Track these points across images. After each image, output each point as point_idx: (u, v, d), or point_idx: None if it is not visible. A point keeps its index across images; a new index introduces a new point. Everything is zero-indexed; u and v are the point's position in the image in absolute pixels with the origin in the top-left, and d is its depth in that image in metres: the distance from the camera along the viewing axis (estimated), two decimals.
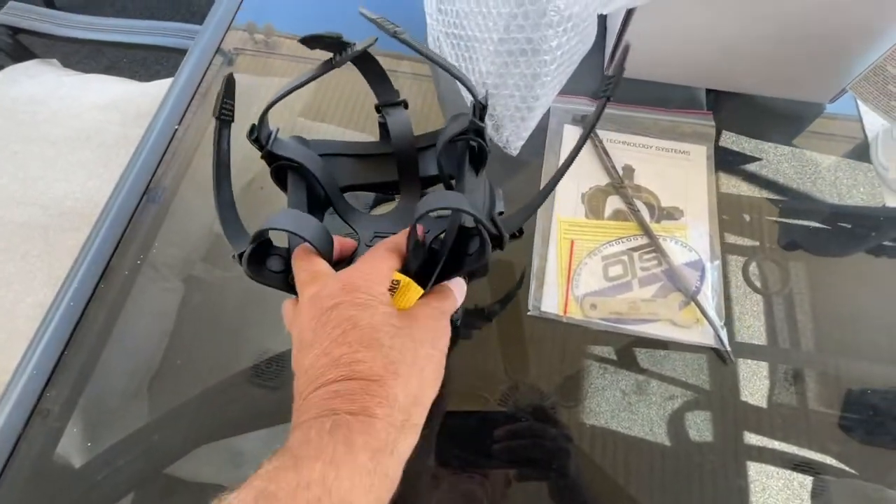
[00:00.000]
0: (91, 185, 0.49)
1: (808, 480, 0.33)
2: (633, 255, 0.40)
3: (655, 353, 0.37)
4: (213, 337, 0.40)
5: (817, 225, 0.43)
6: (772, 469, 0.34)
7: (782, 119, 0.48)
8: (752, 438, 0.35)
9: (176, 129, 0.47)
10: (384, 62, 0.52)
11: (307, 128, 0.49)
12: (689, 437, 0.35)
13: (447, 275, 0.28)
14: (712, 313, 0.37)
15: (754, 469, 0.34)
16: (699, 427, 0.35)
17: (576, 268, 0.39)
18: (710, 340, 0.37)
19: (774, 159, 0.45)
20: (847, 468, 0.34)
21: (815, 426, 0.35)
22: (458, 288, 0.28)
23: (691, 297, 0.38)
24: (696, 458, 0.34)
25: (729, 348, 0.37)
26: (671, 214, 0.42)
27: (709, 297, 0.38)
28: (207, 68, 0.50)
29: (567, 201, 0.43)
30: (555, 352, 0.37)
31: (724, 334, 0.37)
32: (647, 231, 0.40)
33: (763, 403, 0.36)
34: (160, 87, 0.59)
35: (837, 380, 0.37)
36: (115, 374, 0.38)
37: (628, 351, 0.37)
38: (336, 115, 0.50)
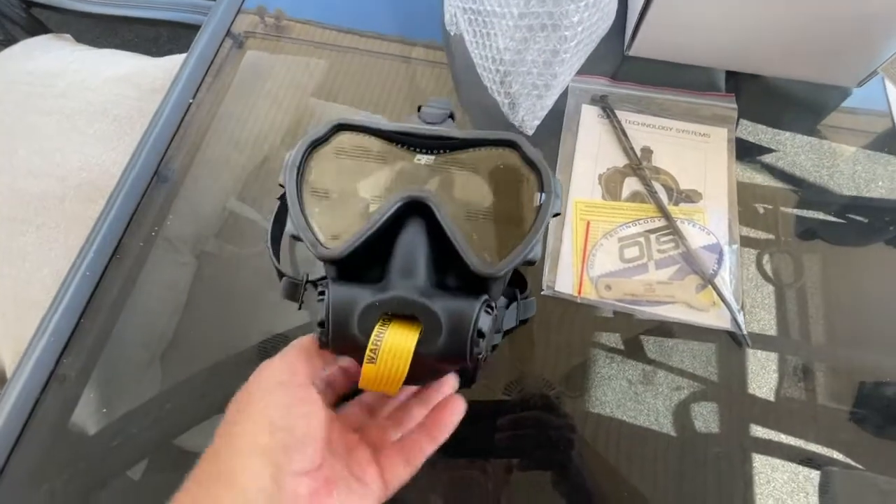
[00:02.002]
0: (107, 157, 0.49)
1: (814, 474, 0.33)
2: (649, 237, 0.39)
3: (664, 344, 0.36)
4: (224, 313, 0.41)
5: (834, 217, 0.42)
6: (777, 462, 0.33)
7: (802, 107, 0.47)
8: (759, 431, 0.34)
9: (190, 103, 0.47)
10: (393, 47, 0.52)
11: (319, 108, 0.49)
12: (695, 428, 0.34)
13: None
14: (730, 297, 0.37)
15: (760, 461, 0.33)
16: (705, 418, 0.35)
17: (591, 249, 0.39)
18: (726, 324, 0.36)
19: (792, 150, 0.44)
20: (859, 461, 0.33)
21: (826, 418, 0.35)
22: None
23: (708, 281, 0.37)
24: (701, 448, 0.34)
25: (745, 332, 0.36)
26: (690, 197, 0.41)
27: (726, 280, 0.38)
28: (222, 42, 0.50)
29: (583, 183, 0.42)
30: (562, 339, 0.37)
31: (741, 318, 0.36)
32: (664, 213, 0.40)
33: (773, 395, 0.35)
34: (174, 62, 0.58)
35: (850, 372, 0.36)
36: (130, 344, 0.38)
37: (636, 340, 0.37)
38: (349, 96, 0.49)
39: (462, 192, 0.30)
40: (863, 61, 0.43)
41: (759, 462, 0.33)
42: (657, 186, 0.41)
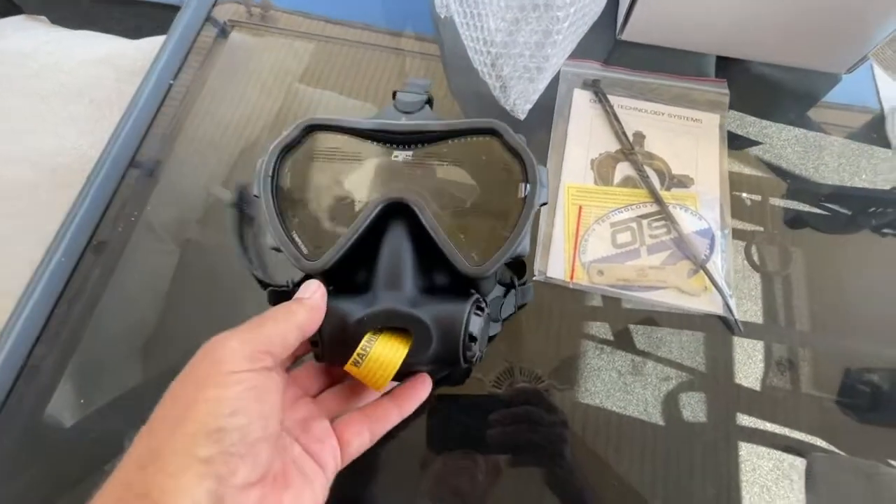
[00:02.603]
0: (84, 140, 0.47)
1: (799, 461, 0.33)
2: (641, 222, 0.39)
3: (653, 334, 0.36)
4: (207, 301, 0.39)
5: (820, 207, 0.42)
6: (763, 450, 0.34)
7: (791, 96, 0.46)
8: (745, 419, 0.34)
9: (171, 84, 0.45)
10: (383, 39, 0.51)
11: (307, 95, 0.47)
12: (683, 418, 0.34)
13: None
14: (721, 282, 0.36)
15: (746, 449, 0.33)
16: (693, 407, 0.35)
17: (583, 234, 0.39)
18: (717, 308, 0.36)
19: (779, 142, 0.44)
20: (844, 446, 0.34)
21: (812, 405, 0.35)
22: None
23: (700, 265, 0.37)
24: (688, 437, 0.34)
25: (737, 316, 0.36)
26: (682, 182, 0.41)
27: (718, 265, 0.37)
28: (205, 20, 0.48)
29: (575, 168, 0.41)
30: (552, 329, 0.37)
31: (732, 303, 0.36)
32: (656, 198, 0.39)
33: (759, 384, 0.35)
34: (154, 43, 0.56)
35: (836, 359, 0.36)
36: (109, 333, 0.37)
37: (625, 330, 0.37)
38: (338, 82, 0.48)
39: (444, 187, 0.29)
40: (853, 46, 0.43)
41: (746, 450, 0.33)
42: (649, 171, 0.41)
